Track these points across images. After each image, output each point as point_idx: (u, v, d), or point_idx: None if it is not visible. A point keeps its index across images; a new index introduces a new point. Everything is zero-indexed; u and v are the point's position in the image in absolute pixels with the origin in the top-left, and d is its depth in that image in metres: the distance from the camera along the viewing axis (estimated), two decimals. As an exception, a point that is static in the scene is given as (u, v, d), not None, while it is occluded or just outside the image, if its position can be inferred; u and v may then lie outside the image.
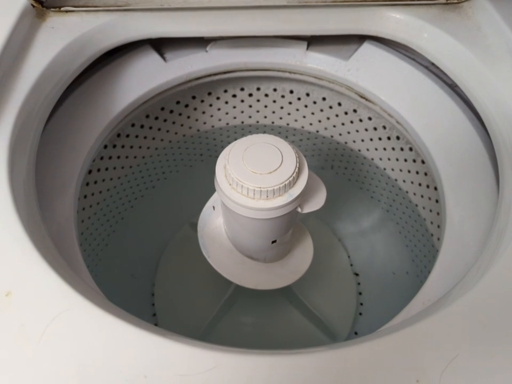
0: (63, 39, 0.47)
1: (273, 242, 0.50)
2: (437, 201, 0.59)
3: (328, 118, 0.72)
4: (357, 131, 0.70)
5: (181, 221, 0.80)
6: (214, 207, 0.56)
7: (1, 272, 0.31)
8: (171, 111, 0.68)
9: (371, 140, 0.69)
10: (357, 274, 0.77)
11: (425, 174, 0.61)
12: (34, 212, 0.38)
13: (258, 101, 0.72)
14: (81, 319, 0.29)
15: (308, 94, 0.70)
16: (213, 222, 0.57)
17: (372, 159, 0.71)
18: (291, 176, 0.39)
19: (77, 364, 0.27)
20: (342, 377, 0.27)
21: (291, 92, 0.70)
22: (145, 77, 0.57)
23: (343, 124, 0.71)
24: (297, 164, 0.40)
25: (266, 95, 0.72)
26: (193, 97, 0.69)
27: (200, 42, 0.59)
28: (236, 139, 0.42)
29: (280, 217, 0.42)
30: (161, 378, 0.27)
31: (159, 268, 0.76)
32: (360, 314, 0.73)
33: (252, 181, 0.39)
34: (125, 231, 0.72)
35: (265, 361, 0.27)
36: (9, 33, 0.43)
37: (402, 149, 0.64)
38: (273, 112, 0.74)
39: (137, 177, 0.72)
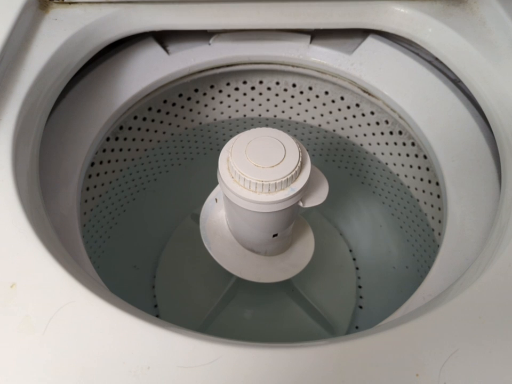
0: (66, 31, 0.47)
1: (274, 235, 0.51)
2: (438, 196, 0.60)
3: (330, 112, 0.72)
4: (359, 125, 0.70)
5: (182, 213, 0.81)
6: (216, 200, 0.56)
7: (6, 264, 0.31)
8: (173, 104, 0.68)
9: (373, 134, 0.69)
10: (357, 268, 0.77)
11: (427, 169, 0.62)
12: (38, 204, 0.38)
13: (260, 94, 0.72)
14: (85, 311, 0.29)
15: (310, 88, 0.70)
16: (215, 215, 0.57)
17: (374, 153, 0.71)
18: (293, 171, 0.39)
19: (81, 355, 0.27)
20: (342, 370, 0.27)
21: (294, 85, 0.70)
22: (148, 70, 0.57)
23: (345, 118, 0.71)
24: (300, 158, 0.40)
25: (268, 89, 0.71)
26: (196, 90, 0.69)
27: (203, 35, 0.59)
28: (237, 132, 0.42)
29: (281, 211, 0.42)
30: (164, 369, 0.27)
31: (161, 259, 0.76)
32: (360, 307, 0.73)
33: (254, 175, 0.39)
34: (127, 223, 0.73)
35: (266, 354, 0.28)
36: (13, 25, 0.43)
37: (404, 144, 0.64)
38: (276, 105, 0.74)
39: (139, 170, 0.72)
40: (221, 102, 0.72)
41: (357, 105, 0.67)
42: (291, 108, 0.74)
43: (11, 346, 0.28)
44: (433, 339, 0.28)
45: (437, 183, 0.59)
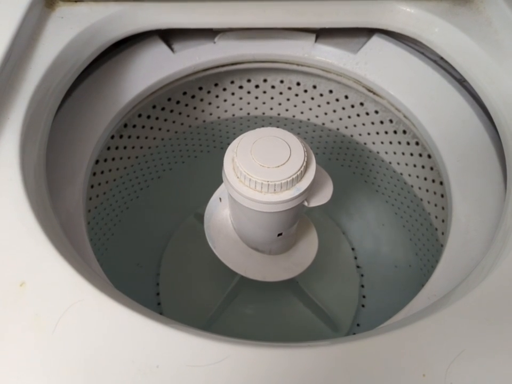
0: (72, 29, 0.47)
1: (279, 235, 0.51)
2: (442, 196, 0.60)
3: (334, 111, 0.72)
4: (363, 124, 0.70)
5: (186, 212, 0.81)
6: (220, 199, 0.56)
7: (15, 263, 0.31)
8: (178, 102, 0.68)
9: (377, 133, 0.69)
10: (360, 267, 0.77)
11: (431, 168, 0.62)
12: (45, 202, 0.38)
13: (264, 92, 0.72)
14: (95, 309, 0.29)
15: (314, 87, 0.70)
16: (220, 214, 0.57)
17: (378, 152, 0.71)
18: (299, 170, 0.39)
19: (91, 354, 0.28)
20: (349, 370, 0.27)
21: (298, 84, 0.70)
22: (153, 68, 0.57)
23: (349, 117, 0.71)
24: (305, 158, 0.40)
25: (273, 87, 0.71)
26: (200, 88, 0.69)
27: (209, 33, 0.59)
28: (241, 130, 0.42)
29: (287, 210, 0.42)
30: (172, 368, 0.27)
31: (164, 257, 0.76)
32: (363, 306, 0.73)
33: (259, 175, 0.39)
34: (130, 221, 0.73)
35: (274, 353, 0.28)
36: (19, 23, 0.43)
37: (408, 143, 0.64)
38: (280, 104, 0.74)
39: (143, 168, 0.72)
40: (225, 100, 0.72)
41: (361, 104, 0.67)
42: (295, 106, 0.74)
43: (21, 345, 0.28)
44: (439, 340, 0.29)
45: (441, 183, 0.59)
